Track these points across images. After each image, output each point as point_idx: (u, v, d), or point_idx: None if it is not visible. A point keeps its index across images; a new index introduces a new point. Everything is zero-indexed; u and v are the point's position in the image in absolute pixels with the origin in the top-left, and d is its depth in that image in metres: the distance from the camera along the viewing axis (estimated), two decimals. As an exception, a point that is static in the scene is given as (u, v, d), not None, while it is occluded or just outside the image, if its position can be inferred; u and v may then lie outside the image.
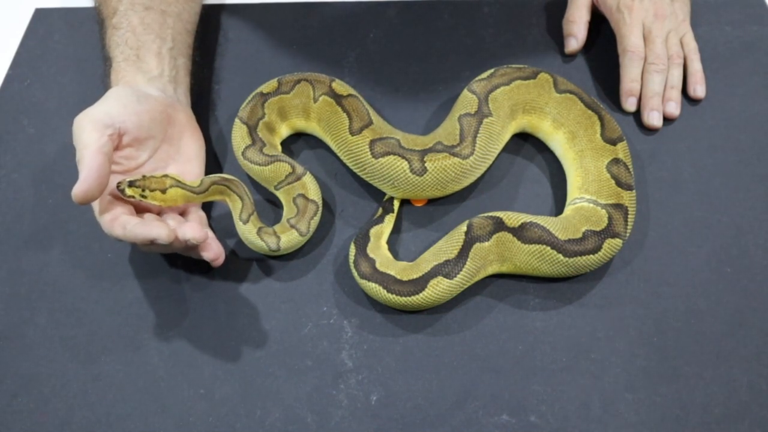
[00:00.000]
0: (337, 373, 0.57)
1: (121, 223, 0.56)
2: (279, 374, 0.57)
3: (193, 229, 0.56)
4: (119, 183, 0.57)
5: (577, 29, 0.77)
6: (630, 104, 0.72)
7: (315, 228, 0.63)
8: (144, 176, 0.58)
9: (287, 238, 0.60)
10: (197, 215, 0.62)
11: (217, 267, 0.60)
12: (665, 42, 0.73)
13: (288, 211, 0.63)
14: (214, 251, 0.58)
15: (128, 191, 0.57)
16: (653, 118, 0.71)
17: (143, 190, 0.57)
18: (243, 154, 0.65)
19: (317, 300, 0.61)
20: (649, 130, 0.71)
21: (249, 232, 0.60)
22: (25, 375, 0.57)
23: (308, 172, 0.64)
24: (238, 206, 0.61)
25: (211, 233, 0.60)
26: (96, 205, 0.57)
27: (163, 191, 0.58)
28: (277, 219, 0.65)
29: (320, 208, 0.63)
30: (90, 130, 0.56)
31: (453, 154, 0.62)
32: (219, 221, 0.65)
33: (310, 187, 0.63)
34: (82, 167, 0.55)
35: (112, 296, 0.61)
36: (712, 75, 0.75)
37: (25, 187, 0.68)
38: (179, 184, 0.59)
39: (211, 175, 0.62)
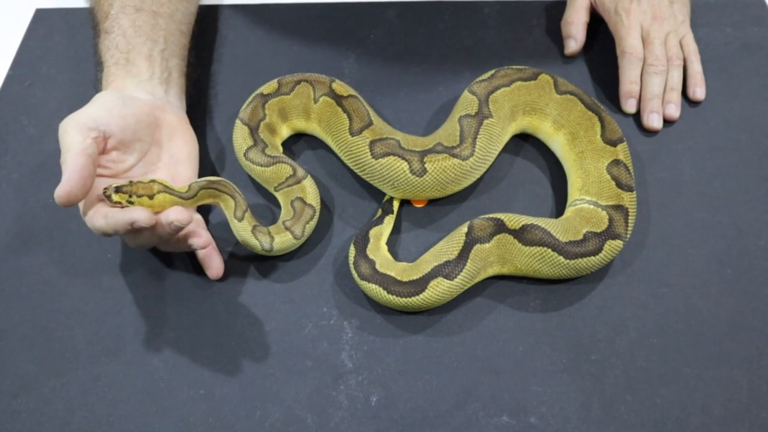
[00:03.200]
0: (337, 374, 0.57)
1: (103, 213, 0.55)
2: (279, 375, 0.57)
3: (176, 211, 0.54)
4: (105, 188, 0.56)
5: (575, 31, 0.77)
6: (629, 106, 0.72)
7: (310, 233, 0.63)
8: (131, 182, 0.57)
9: (281, 239, 0.60)
10: (195, 218, 0.62)
11: (216, 278, 0.60)
12: (664, 44, 0.73)
13: (285, 213, 0.63)
14: (203, 239, 0.58)
15: (115, 197, 0.56)
16: (653, 120, 0.71)
17: (130, 196, 0.56)
18: (245, 155, 0.65)
19: (317, 301, 0.61)
20: (649, 132, 0.71)
21: (244, 229, 0.60)
22: (25, 375, 0.57)
23: (309, 176, 0.64)
24: (231, 205, 0.60)
25: (202, 221, 0.60)
26: (82, 207, 0.57)
27: (151, 197, 0.57)
28: (275, 221, 0.65)
29: (317, 213, 0.63)
30: (73, 134, 0.56)
31: (453, 155, 0.62)
32: (217, 228, 0.64)
33: (309, 191, 0.63)
34: (65, 169, 0.54)
35: (112, 296, 0.61)
36: (712, 76, 0.75)
37: (25, 187, 0.68)
38: (167, 189, 0.58)
39: (198, 180, 0.60)
